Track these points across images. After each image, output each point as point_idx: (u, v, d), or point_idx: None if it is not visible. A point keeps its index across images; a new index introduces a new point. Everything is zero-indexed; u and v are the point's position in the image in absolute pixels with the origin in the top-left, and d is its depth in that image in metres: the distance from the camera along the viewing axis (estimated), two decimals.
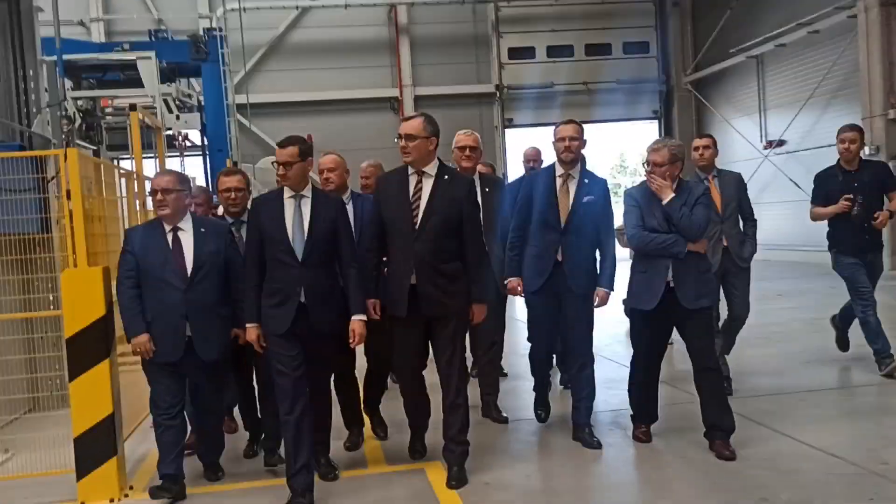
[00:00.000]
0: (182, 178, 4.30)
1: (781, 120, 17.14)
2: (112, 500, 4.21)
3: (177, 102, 15.51)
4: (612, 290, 4.70)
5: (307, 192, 4.13)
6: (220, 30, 16.17)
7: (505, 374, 6.52)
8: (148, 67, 12.55)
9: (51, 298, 5.64)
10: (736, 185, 5.57)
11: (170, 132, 14.84)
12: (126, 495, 4.28)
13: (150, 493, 4.14)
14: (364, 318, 4.15)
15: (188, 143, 16.94)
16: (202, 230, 4.19)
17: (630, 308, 4.69)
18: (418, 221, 4.16)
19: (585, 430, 4.72)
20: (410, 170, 4.26)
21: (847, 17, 14.48)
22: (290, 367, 4.04)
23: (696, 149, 5.58)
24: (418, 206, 4.18)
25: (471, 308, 4.28)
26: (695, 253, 4.44)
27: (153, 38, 15.99)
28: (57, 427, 4.78)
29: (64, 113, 8.63)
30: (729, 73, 19.16)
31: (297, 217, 4.06)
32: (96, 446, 4.20)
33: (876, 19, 13.67)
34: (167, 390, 4.18)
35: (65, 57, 10.78)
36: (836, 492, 3.82)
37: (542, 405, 5.25)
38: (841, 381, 6.23)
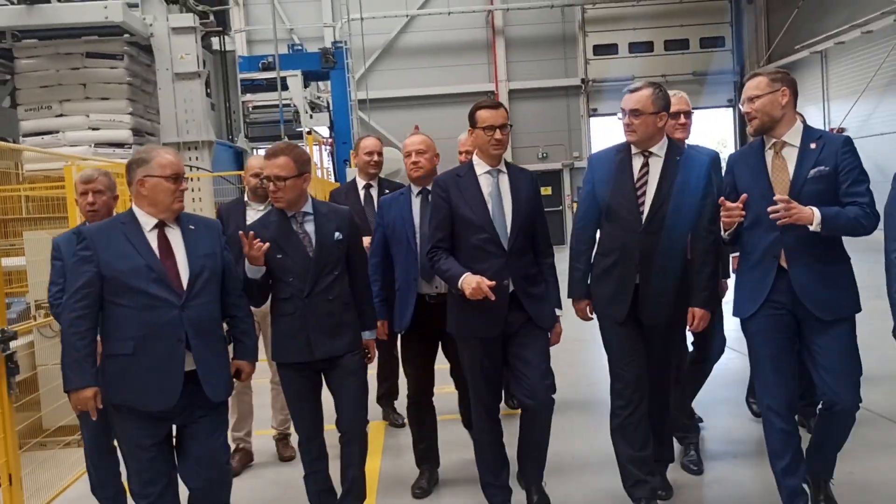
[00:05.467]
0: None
1: (843, 110, 18.88)
2: None
3: (310, 103, 18.77)
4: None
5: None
6: (345, 42, 19.22)
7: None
8: (294, 81, 15.73)
9: None
10: None
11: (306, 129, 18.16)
12: None
13: None
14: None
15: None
16: (191, 227, 3.16)
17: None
18: (645, 211, 3.49)
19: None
20: (633, 149, 3.58)
21: (894, 20, 16.18)
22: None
23: None
24: (645, 193, 3.51)
25: (691, 312, 3.55)
26: None
27: (290, 51, 19.25)
28: None
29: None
30: (797, 66, 20.85)
31: (495, 197, 3.57)
32: None
33: None
34: (152, 460, 3.04)
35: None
36: None
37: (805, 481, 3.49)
38: None
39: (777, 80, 3.33)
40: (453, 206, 3.56)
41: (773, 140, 3.35)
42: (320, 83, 20.55)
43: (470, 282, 3.40)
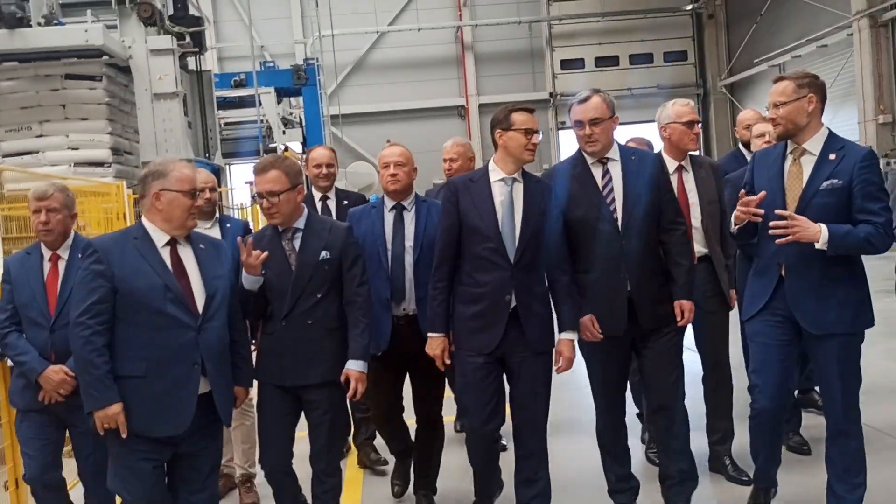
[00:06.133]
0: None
1: None
2: None
3: (283, 119, 19.03)
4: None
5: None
6: (316, 59, 19.53)
7: None
8: (267, 98, 16.02)
9: None
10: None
11: (282, 146, 18.41)
12: None
13: None
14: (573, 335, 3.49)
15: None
16: (201, 246, 3.08)
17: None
18: (619, 217, 3.42)
19: None
20: (589, 159, 3.48)
21: (847, 34, 16.87)
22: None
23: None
24: (614, 199, 3.44)
25: (678, 305, 3.47)
26: None
27: (262, 68, 19.49)
28: None
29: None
30: (756, 79, 21.60)
31: (507, 206, 3.39)
32: None
33: (867, 39, 16.09)
34: (154, 486, 2.91)
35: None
36: None
37: (769, 480, 3.59)
38: None
39: (804, 87, 3.18)
40: (462, 211, 3.40)
41: (795, 146, 3.25)
42: (292, 99, 20.83)
43: (433, 347, 3.43)
